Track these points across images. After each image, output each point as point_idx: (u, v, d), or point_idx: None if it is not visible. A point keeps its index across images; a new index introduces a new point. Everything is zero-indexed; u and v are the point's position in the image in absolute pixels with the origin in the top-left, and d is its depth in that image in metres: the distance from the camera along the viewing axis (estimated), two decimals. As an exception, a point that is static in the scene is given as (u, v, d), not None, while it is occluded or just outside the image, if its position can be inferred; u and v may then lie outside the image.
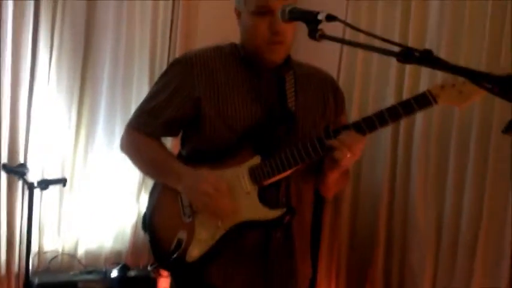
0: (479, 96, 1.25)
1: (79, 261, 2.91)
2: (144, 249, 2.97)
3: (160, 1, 3.00)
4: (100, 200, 2.95)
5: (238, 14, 1.46)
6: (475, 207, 2.22)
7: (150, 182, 1.72)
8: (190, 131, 1.51)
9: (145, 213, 1.58)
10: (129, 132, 1.55)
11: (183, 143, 1.56)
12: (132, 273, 2.81)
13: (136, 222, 2.96)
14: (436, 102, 1.26)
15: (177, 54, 3.01)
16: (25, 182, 2.49)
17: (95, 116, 2.94)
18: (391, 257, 2.61)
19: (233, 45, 1.51)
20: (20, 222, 2.72)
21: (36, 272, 2.76)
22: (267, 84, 1.47)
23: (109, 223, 2.99)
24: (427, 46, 2.46)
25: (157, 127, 1.49)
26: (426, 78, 2.43)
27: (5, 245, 2.71)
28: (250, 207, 1.39)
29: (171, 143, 2.79)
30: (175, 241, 1.44)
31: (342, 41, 1.30)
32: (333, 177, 1.43)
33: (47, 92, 2.79)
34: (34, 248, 2.72)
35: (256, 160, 1.39)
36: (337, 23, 1.13)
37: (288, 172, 1.39)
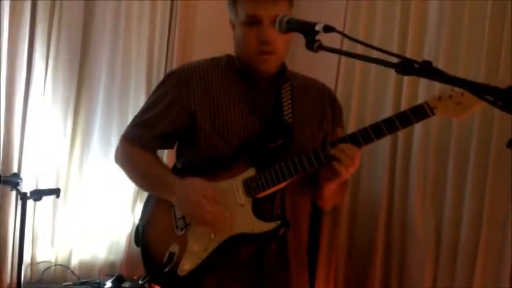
0: (478, 107, 1.24)
1: (72, 272, 2.88)
2: (139, 261, 2.86)
3: (158, 7, 2.99)
4: (94, 211, 2.93)
5: (233, 26, 1.46)
6: (475, 216, 2.21)
7: (145, 193, 1.71)
8: (185, 143, 1.51)
9: (137, 226, 1.58)
10: (124, 143, 1.55)
11: (178, 156, 1.56)
12: (126, 284, 2.78)
13: (131, 233, 2.93)
14: (433, 113, 1.25)
15: (174, 63, 3.00)
16: (18, 192, 2.46)
17: (90, 126, 2.92)
18: (389, 267, 2.59)
19: (230, 57, 1.51)
20: (12, 233, 2.68)
21: (28, 283, 2.73)
22: (263, 96, 1.46)
23: (103, 234, 2.96)
24: (427, 46, 2.47)
25: (152, 139, 1.49)
26: (424, 89, 2.43)
27: (-3, 255, 2.68)
28: (244, 220, 1.38)
29: (166, 155, 2.80)
30: (167, 254, 1.43)
31: (340, 52, 1.28)
32: (329, 189, 1.42)
33: (42, 102, 2.77)
34: (27, 259, 2.69)
35: (251, 172, 1.39)
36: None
37: (283, 184, 1.38)
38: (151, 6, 2.98)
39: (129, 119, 1.74)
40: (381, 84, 2.69)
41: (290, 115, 1.45)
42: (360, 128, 1.33)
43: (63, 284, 2.77)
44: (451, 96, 1.23)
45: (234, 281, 1.43)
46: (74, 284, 2.76)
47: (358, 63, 2.75)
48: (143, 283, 2.69)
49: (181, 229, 1.43)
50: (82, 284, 2.77)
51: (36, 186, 2.71)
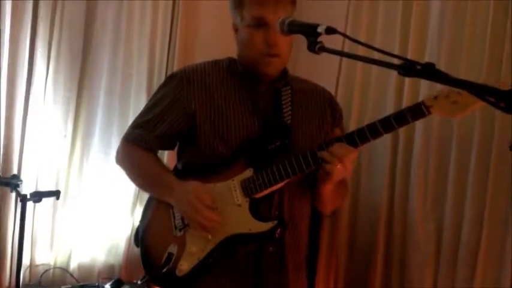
0: (475, 107, 1.23)
1: (71, 275, 2.86)
2: (138, 264, 2.85)
3: (160, 7, 2.98)
4: (94, 213, 2.91)
5: (236, 30, 1.46)
6: (476, 217, 2.21)
7: (145, 195, 1.72)
8: (185, 144, 1.52)
9: (138, 227, 1.59)
10: (124, 144, 1.56)
11: (179, 157, 1.57)
12: (125, 287, 2.76)
13: (131, 236, 2.91)
14: (429, 112, 1.25)
15: (176, 63, 2.99)
16: (18, 193, 2.45)
17: (90, 128, 2.91)
18: (390, 267, 2.59)
19: (231, 60, 1.52)
20: (11, 235, 2.67)
21: (27, 285, 2.72)
22: (264, 98, 1.47)
23: (103, 236, 2.95)
24: (428, 46, 2.47)
25: (153, 140, 1.50)
26: (426, 89, 2.43)
27: (-4, 257, 2.67)
28: (241, 220, 1.38)
29: (167, 156, 2.78)
30: (165, 255, 1.44)
31: (341, 53, 1.28)
32: (326, 190, 1.42)
33: (43, 103, 2.76)
34: (26, 261, 2.67)
35: (248, 173, 1.40)
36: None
37: (280, 185, 1.39)
38: (153, 7, 2.97)
39: (130, 120, 1.75)
40: (382, 85, 2.69)
41: (289, 117, 1.46)
42: (356, 128, 1.33)
43: (62, 287, 2.74)
44: (447, 95, 1.23)
45: (232, 282, 1.43)
46: (72, 287, 2.74)
47: (359, 65, 2.75)
48: (142, 283, 2.68)
49: (180, 230, 1.44)
50: (81, 287, 2.74)
51: (36, 188, 2.69)
